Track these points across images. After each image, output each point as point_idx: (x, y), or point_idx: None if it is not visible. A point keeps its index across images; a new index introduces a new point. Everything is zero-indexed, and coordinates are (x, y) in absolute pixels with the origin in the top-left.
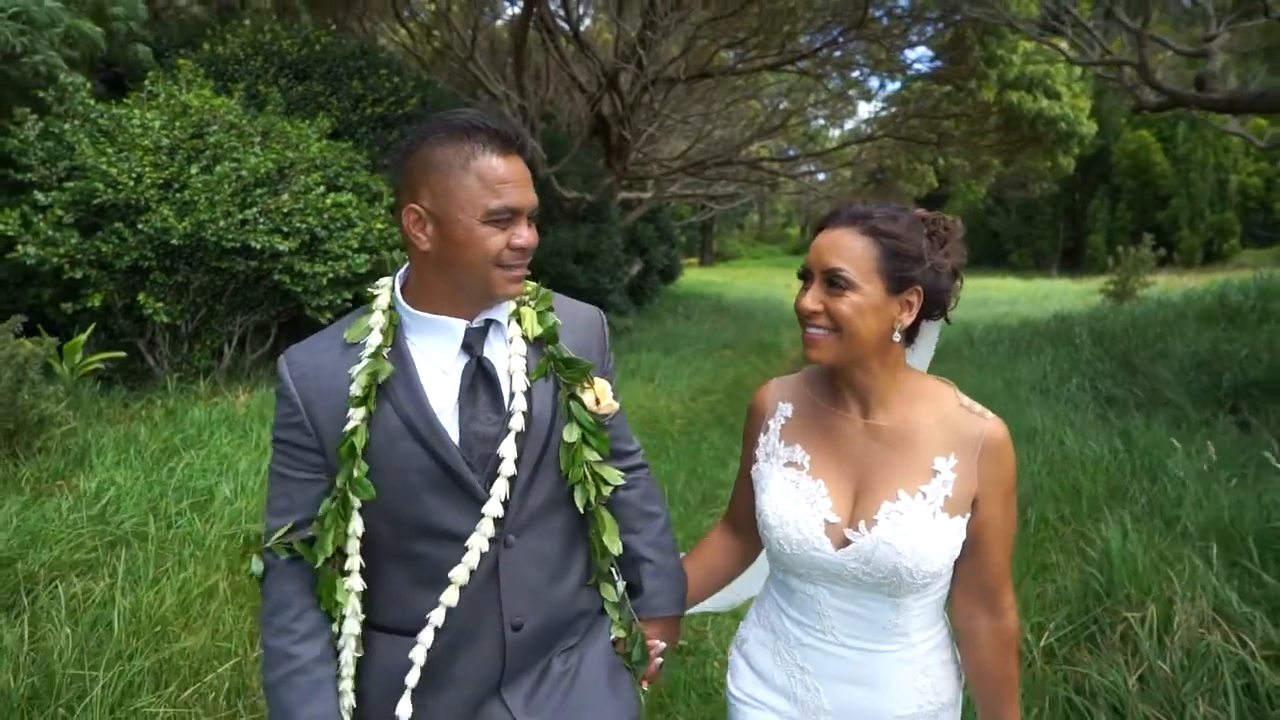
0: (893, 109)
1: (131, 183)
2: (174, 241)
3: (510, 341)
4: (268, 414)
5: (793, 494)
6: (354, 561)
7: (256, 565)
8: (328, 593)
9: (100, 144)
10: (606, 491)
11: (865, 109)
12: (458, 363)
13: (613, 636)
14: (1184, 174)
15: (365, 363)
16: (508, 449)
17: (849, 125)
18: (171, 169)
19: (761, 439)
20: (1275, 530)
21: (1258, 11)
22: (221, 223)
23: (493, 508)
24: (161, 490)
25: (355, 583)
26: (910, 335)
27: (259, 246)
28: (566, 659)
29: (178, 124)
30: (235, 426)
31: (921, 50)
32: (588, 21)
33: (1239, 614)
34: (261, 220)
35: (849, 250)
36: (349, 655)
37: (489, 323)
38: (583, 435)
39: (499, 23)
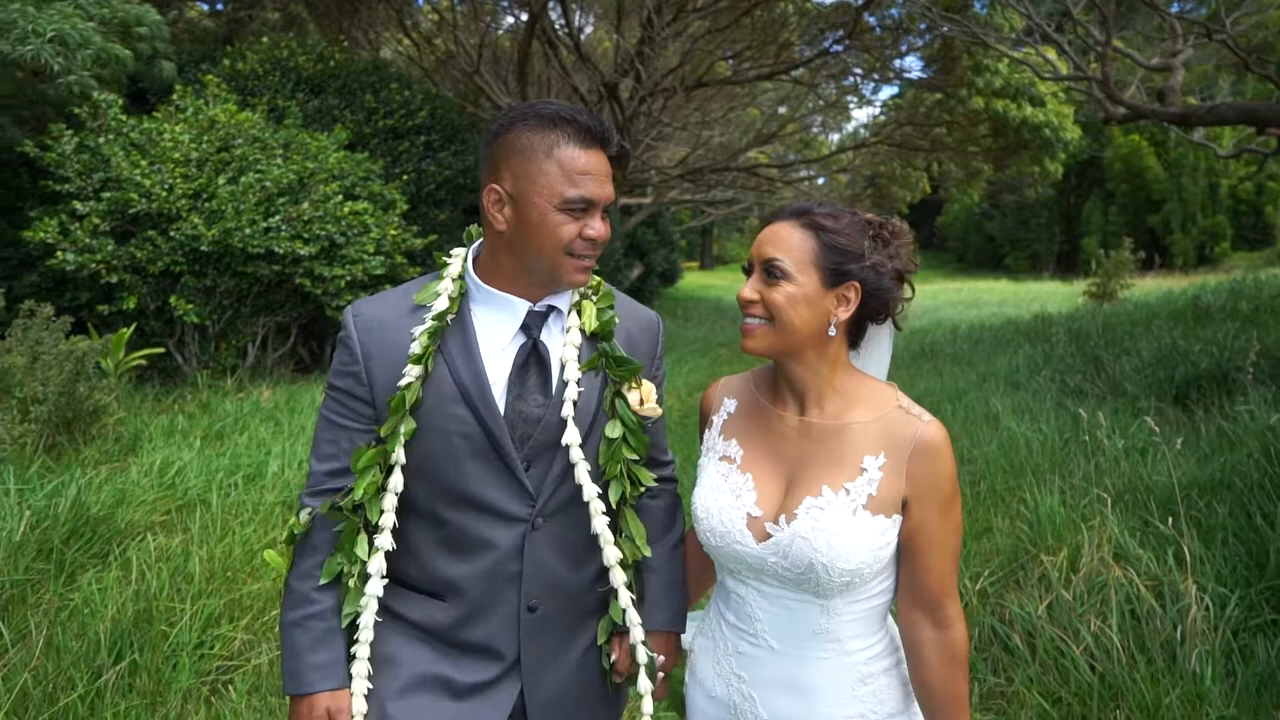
0: (886, 116)
1: (164, 193)
2: (203, 248)
3: (567, 331)
4: (295, 406)
5: (721, 486)
6: (388, 519)
7: (297, 522)
8: (348, 545)
9: (134, 157)
10: (640, 491)
11: (860, 115)
12: (514, 341)
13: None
14: (1176, 178)
15: (428, 324)
16: (572, 435)
17: (846, 130)
18: (200, 180)
19: (706, 434)
20: (1170, 489)
21: (1217, 31)
22: (247, 230)
23: (589, 491)
24: (216, 466)
25: (385, 541)
26: (855, 337)
27: (282, 252)
28: (584, 660)
29: (205, 138)
30: (267, 418)
31: (912, 60)
32: (589, 29)
33: (1133, 555)
34: (284, 227)
35: (786, 241)
36: (369, 618)
37: (550, 309)
38: (624, 433)
39: (500, 32)
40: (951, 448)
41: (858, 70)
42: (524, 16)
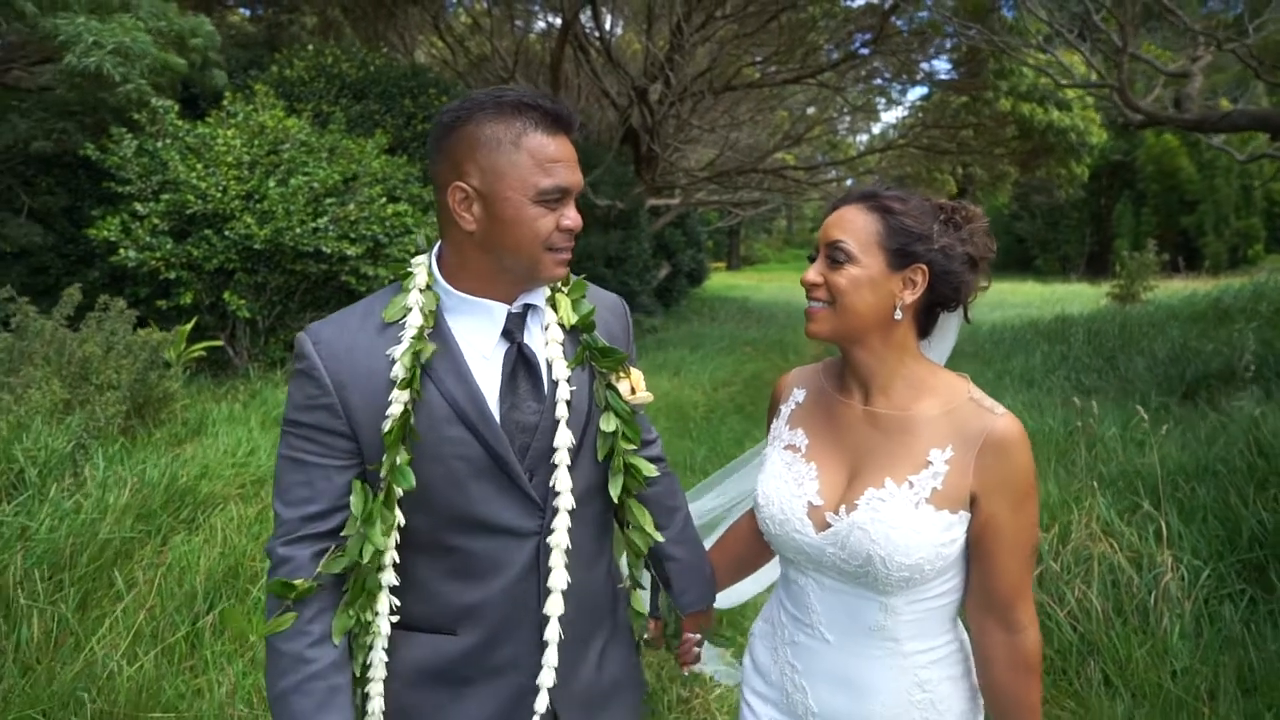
0: (913, 118)
1: (219, 194)
2: (256, 246)
3: (546, 328)
4: None
5: (784, 475)
6: (390, 556)
7: (274, 585)
8: (360, 590)
9: (189, 160)
10: (641, 483)
11: (887, 117)
12: (498, 348)
13: (646, 622)
14: (1209, 180)
15: (408, 343)
16: (563, 438)
17: (874, 131)
18: (252, 182)
19: (774, 423)
20: (1160, 474)
21: (1229, 40)
22: (297, 230)
23: (564, 501)
24: (275, 447)
25: (390, 578)
26: (925, 325)
27: (329, 251)
28: (602, 661)
29: (256, 142)
30: None
31: (940, 62)
32: (619, 31)
33: (1117, 531)
34: (331, 228)
35: (851, 224)
36: (379, 656)
37: (526, 307)
38: (619, 425)
39: (532, 35)
40: (1029, 445)
41: (885, 73)
42: (556, 21)
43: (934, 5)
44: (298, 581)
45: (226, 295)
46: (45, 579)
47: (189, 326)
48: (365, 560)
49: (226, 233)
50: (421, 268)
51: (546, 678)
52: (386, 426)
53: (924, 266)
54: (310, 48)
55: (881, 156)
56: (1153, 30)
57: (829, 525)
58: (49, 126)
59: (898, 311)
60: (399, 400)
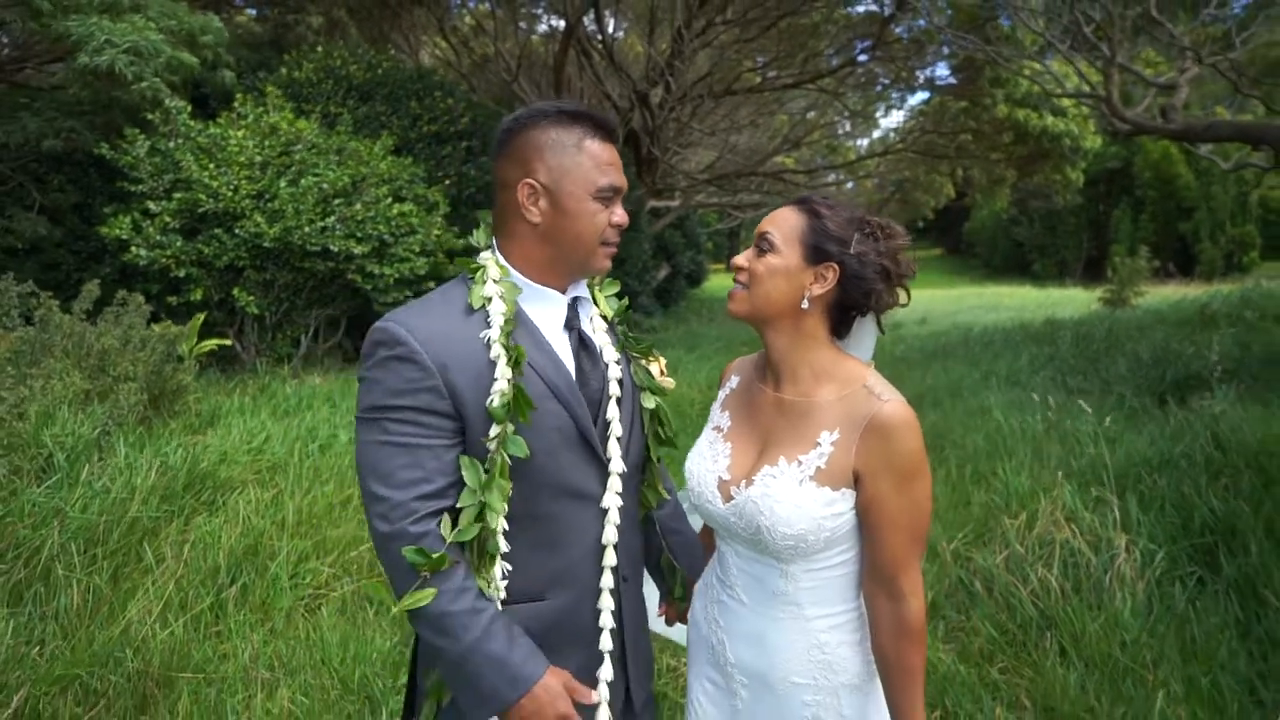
0: (912, 122)
1: (230, 194)
2: (266, 244)
3: (592, 319)
4: (348, 391)
5: (706, 453)
6: (500, 522)
7: (412, 555)
8: (482, 555)
9: (202, 160)
10: (669, 446)
11: (887, 121)
12: (562, 333)
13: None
14: (1206, 186)
15: (500, 326)
16: (616, 412)
17: (874, 135)
18: (263, 182)
19: (714, 407)
20: (1126, 467)
21: (1212, 54)
22: (306, 229)
23: (616, 465)
24: (294, 436)
25: (503, 544)
26: (838, 324)
27: (337, 249)
28: (642, 612)
29: (267, 143)
30: (325, 400)
31: (941, 69)
32: (620, 34)
33: (1080, 517)
34: (339, 227)
35: (781, 220)
36: None
37: (576, 299)
38: (656, 403)
39: (535, 36)
40: (916, 429)
41: (884, 79)
42: (559, 23)
43: (929, 14)
44: (435, 555)
45: (236, 292)
46: (80, 553)
47: (200, 320)
48: (492, 526)
49: (237, 231)
50: (490, 261)
51: (607, 632)
52: (496, 401)
53: (836, 266)
54: (319, 49)
55: (880, 160)
56: (1147, 42)
57: (732, 498)
58: (59, 125)
59: (805, 301)
60: (505, 377)
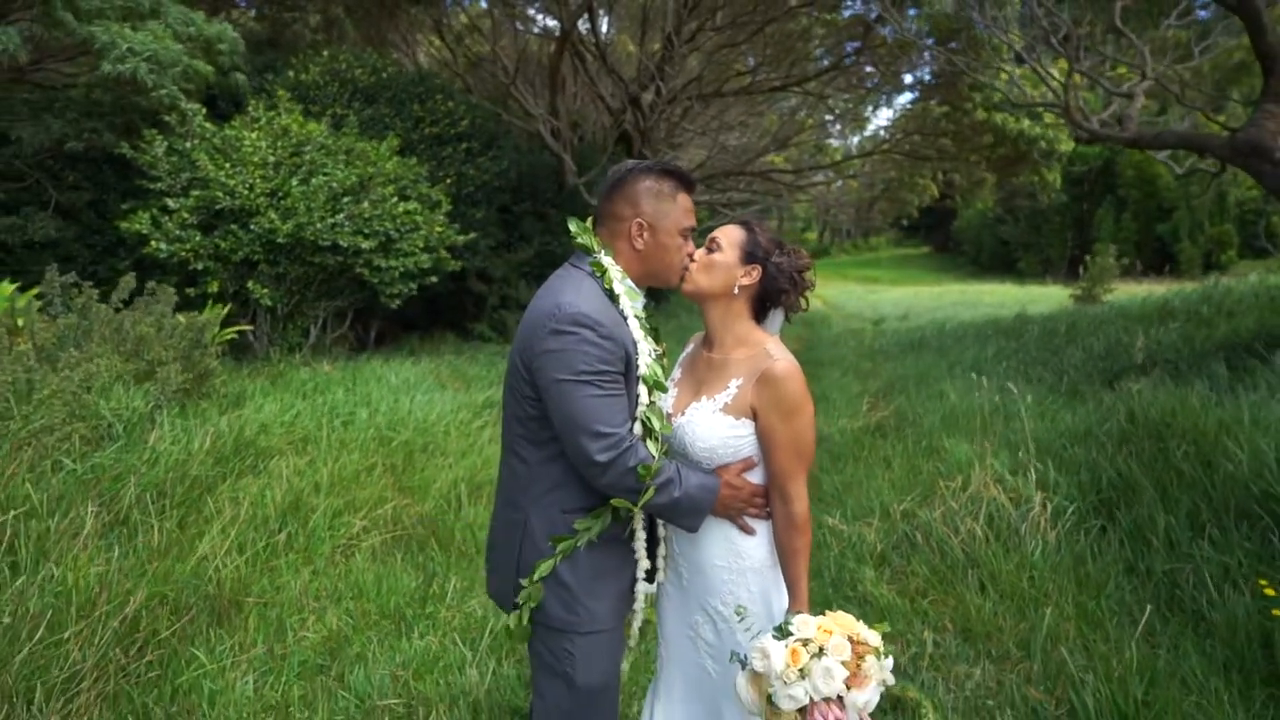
0: (896, 126)
1: (246, 191)
2: (279, 240)
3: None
4: (357, 377)
5: (666, 397)
6: (659, 429)
7: (641, 470)
8: (657, 446)
9: (217, 160)
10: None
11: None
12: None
13: None
14: (1185, 187)
15: (639, 314)
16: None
17: (864, 134)
18: (276, 180)
19: (675, 366)
20: (1052, 439)
21: (1156, 67)
22: (317, 225)
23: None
24: (320, 413)
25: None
26: (759, 311)
27: (345, 245)
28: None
29: (279, 144)
30: (338, 385)
31: (924, 72)
32: (612, 32)
33: (1005, 479)
34: (347, 224)
35: (728, 230)
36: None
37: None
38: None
39: (531, 34)
40: (798, 379)
41: (870, 80)
42: (552, 23)
43: (897, 32)
44: (652, 465)
45: (250, 284)
46: (153, 502)
47: (224, 310)
48: (657, 431)
49: (252, 227)
50: (613, 268)
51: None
52: (645, 369)
53: (759, 268)
54: (325, 53)
55: (865, 161)
56: (1113, 49)
57: (672, 425)
58: (81, 127)
59: (736, 289)
60: (652, 351)
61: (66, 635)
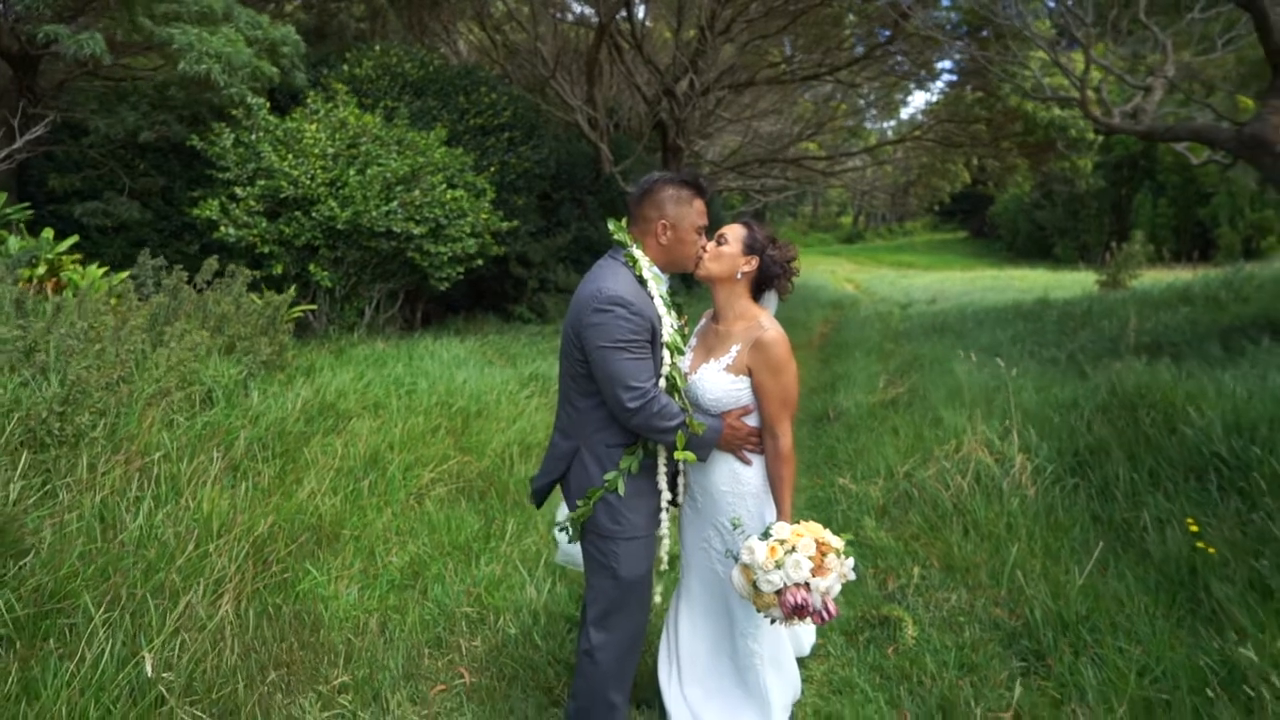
0: (929, 113)
1: (307, 181)
2: (338, 226)
3: (663, 295)
4: (412, 353)
5: (685, 361)
6: (679, 382)
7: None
8: (679, 397)
9: (280, 151)
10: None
11: (908, 108)
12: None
13: None
14: (1223, 172)
15: (663, 295)
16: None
17: (899, 119)
18: (335, 171)
19: (691, 336)
20: (1037, 408)
21: (1159, 65)
22: (372, 212)
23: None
24: (386, 382)
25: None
26: (756, 292)
27: (399, 230)
28: None
29: (337, 136)
30: (394, 360)
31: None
32: (649, 23)
33: (994, 443)
34: (400, 211)
35: (734, 228)
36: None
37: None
38: None
39: (568, 21)
40: (783, 345)
41: (901, 69)
42: (587, 10)
43: (934, 16)
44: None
45: (311, 267)
46: (259, 452)
47: (293, 291)
48: (680, 385)
49: (313, 214)
50: (641, 256)
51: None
52: (668, 337)
53: (757, 258)
54: (377, 48)
55: (897, 147)
56: (1135, 41)
57: (690, 382)
58: (152, 119)
59: (739, 274)
60: (673, 324)
61: (212, 549)
